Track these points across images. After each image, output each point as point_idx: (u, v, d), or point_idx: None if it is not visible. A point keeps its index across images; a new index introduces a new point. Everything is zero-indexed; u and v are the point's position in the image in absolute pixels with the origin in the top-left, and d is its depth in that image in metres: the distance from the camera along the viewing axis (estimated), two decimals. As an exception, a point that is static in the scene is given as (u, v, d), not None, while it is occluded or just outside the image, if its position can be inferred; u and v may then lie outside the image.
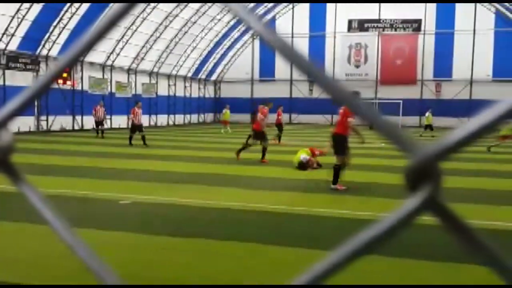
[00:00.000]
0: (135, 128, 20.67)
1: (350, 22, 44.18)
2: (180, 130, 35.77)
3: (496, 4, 41.93)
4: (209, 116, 48.99)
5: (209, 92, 48.41)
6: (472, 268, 5.17)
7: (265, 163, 14.98)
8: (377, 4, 44.33)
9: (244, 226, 7.24)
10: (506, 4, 40.44)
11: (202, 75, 46.09)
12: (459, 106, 43.01)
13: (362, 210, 8.86)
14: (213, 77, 48.60)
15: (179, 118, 43.54)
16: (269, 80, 47.97)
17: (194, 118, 45.34)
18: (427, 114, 31.89)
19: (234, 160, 15.87)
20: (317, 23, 46.19)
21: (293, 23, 46.72)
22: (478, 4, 42.56)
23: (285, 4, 46.32)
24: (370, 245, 0.31)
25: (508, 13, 41.51)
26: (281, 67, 48.34)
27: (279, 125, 23.72)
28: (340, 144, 10.70)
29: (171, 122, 42.00)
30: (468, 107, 41.51)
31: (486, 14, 42.59)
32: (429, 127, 31.16)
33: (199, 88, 46.37)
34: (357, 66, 45.70)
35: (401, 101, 41.13)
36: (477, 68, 43.08)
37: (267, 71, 48.04)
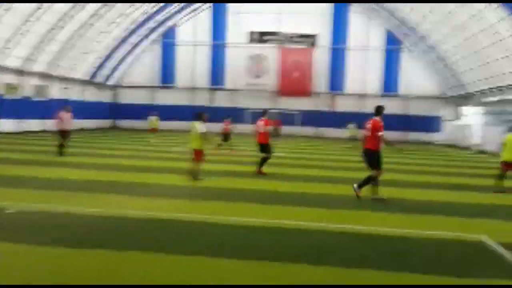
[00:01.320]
0: (63, 134, 19.27)
1: (250, 34, 45.33)
2: (75, 135, 34.32)
3: (386, 23, 44.88)
4: (106, 122, 47.48)
5: (107, 97, 46.98)
6: (365, 273, 5.62)
7: (264, 174, 15.41)
8: (277, 18, 46.07)
9: (142, 235, 7.38)
10: (396, 23, 43.43)
11: (100, 79, 44.64)
12: (351, 118, 45.35)
13: (261, 218, 9.11)
14: (111, 82, 47.27)
15: (74, 123, 41.65)
16: (170, 86, 47.67)
17: (90, 123, 43.71)
18: (349, 126, 33.38)
19: (131, 167, 15.65)
20: (219, 33, 47.01)
21: (195, 31, 46.81)
22: (370, 23, 45.39)
23: (187, 11, 46.39)
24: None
25: (396, 32, 44.76)
26: (183, 74, 48.39)
27: (226, 135, 25.31)
28: (373, 158, 11.23)
29: (65, 127, 40.06)
30: (359, 119, 43.75)
31: (377, 32, 45.64)
32: (353, 138, 32.42)
33: (96, 93, 44.84)
34: (257, 77, 47.06)
35: (298, 112, 42.55)
36: (367, 83, 45.90)
37: (168, 77, 48.05)
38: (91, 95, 45.53)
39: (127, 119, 48.84)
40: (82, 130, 43.19)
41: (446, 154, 31.99)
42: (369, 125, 11.39)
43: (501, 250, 7.34)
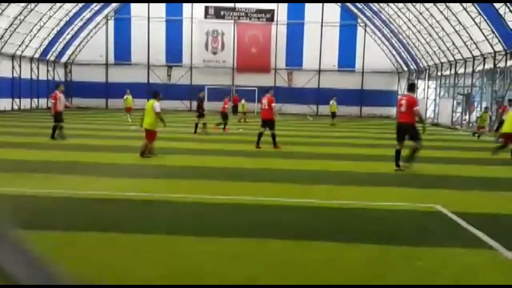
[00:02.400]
0: (59, 116, 17.72)
1: (206, 8, 44.56)
2: (28, 115, 33.21)
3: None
4: (60, 101, 45.88)
5: (59, 75, 45.59)
6: (320, 244, 5.58)
7: (279, 148, 16.46)
8: (233, -8, 45.25)
9: (105, 215, 7.23)
10: None
11: (51, 56, 43.37)
12: (309, 93, 45.69)
13: (219, 195, 9.05)
14: (64, 59, 45.86)
15: (26, 103, 40.56)
16: (125, 64, 46.90)
17: (42, 102, 42.32)
18: (331, 102, 32.75)
19: (96, 147, 15.34)
20: (174, 8, 46.05)
21: (149, 6, 45.67)
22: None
23: (141, -14, 45.00)
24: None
25: (352, 8, 44.83)
26: (138, 50, 47.41)
27: (224, 114, 24.51)
28: (414, 131, 12.02)
29: (16, 107, 38.81)
30: (316, 95, 44.14)
31: (333, 7, 45.77)
32: (333, 114, 32.21)
33: (47, 71, 43.43)
34: (215, 53, 46.65)
35: (256, 89, 42.30)
36: (324, 59, 46.10)
37: (122, 54, 47.04)
38: (42, 73, 43.91)
39: (81, 97, 47.42)
40: (37, 109, 41.82)
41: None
42: (403, 101, 12.10)
43: (456, 219, 7.48)
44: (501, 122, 20.70)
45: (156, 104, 13.56)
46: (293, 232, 6.56)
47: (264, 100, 16.77)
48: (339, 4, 46.71)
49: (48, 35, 41.43)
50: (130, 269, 5.01)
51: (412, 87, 12.83)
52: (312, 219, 7.32)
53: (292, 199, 8.60)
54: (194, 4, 46.33)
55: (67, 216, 7.07)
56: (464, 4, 28.49)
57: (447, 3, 30.45)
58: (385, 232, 6.72)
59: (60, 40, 43.69)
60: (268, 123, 16.58)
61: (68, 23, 42.33)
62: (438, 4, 31.57)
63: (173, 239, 6.08)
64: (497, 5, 25.37)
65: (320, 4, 46.54)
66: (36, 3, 35.70)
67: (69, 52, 46.99)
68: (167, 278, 4.77)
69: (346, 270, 5.20)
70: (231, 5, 46.10)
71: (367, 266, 5.32)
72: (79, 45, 47.41)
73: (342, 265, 5.35)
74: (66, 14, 41.02)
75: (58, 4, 38.63)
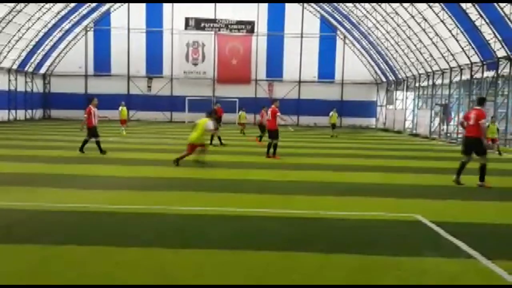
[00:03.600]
0: (94, 130, 17.06)
1: (187, 20, 44.54)
2: (4, 127, 32.66)
3: (320, 10, 45.38)
4: (38, 113, 45.51)
5: (38, 86, 44.96)
6: (304, 256, 5.52)
7: (277, 158, 17.03)
8: (213, 4, 45.35)
9: (82, 228, 7.11)
10: (329, 10, 43.95)
11: (30, 67, 42.68)
12: (290, 104, 45.87)
13: (201, 205, 8.96)
14: (42, 71, 45.34)
15: (3, 114, 39.86)
16: (105, 75, 46.33)
17: (20, 114, 41.83)
18: (331, 113, 32.38)
19: (73, 159, 15.15)
20: (154, 19, 45.89)
21: (129, 17, 45.40)
22: (305, 9, 45.81)
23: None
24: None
25: (332, 20, 45.30)
26: (118, 61, 47.06)
27: (262, 126, 24.51)
28: (481, 145, 11.83)
29: (-7, 118, 38.08)
30: (297, 106, 44.34)
31: (313, 19, 46.15)
32: (333, 125, 31.99)
33: (25, 82, 42.83)
34: (195, 64, 46.60)
35: (237, 100, 42.34)
36: (304, 70, 46.42)
37: (102, 65, 46.73)
38: (20, 84, 43.31)
39: (60, 109, 46.87)
40: (15, 120, 41.21)
41: (381, 138, 32.90)
42: (472, 114, 12.01)
43: (436, 228, 7.51)
44: None
45: (209, 123, 14.52)
46: (273, 243, 6.51)
47: (269, 111, 17.78)
48: (319, 16, 47.15)
49: (27, 46, 40.93)
50: (107, 282, 4.91)
51: (481, 101, 12.66)
52: (292, 230, 7.27)
53: (272, 210, 8.55)
54: (174, 15, 46.30)
55: (45, 230, 6.92)
56: (441, 16, 28.99)
57: (423, 15, 30.94)
58: (365, 242, 6.71)
59: (39, 51, 43.21)
60: (271, 133, 17.45)
61: (47, 34, 41.92)
62: (416, 17, 32.06)
63: (153, 251, 5.98)
64: (473, 17, 25.85)
65: (299, 16, 46.92)
66: (16, 12, 35.29)
67: (47, 63, 46.50)
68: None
69: (327, 280, 5.16)
70: (211, 16, 46.19)
71: (348, 276, 5.29)
72: (57, 56, 46.93)
73: (323, 275, 5.31)
74: (45, 26, 40.63)
75: (37, 15, 38.24)
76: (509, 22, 23.26)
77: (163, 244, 6.31)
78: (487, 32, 25.67)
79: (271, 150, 17.22)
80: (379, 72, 47.23)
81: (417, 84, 39.52)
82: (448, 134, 33.61)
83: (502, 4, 23.16)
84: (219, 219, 7.82)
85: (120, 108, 29.72)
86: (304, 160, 17.01)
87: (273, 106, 17.59)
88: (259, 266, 5.55)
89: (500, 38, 25.12)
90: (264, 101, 45.78)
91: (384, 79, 46.71)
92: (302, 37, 47.32)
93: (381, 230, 7.45)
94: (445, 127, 34.49)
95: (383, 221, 8.07)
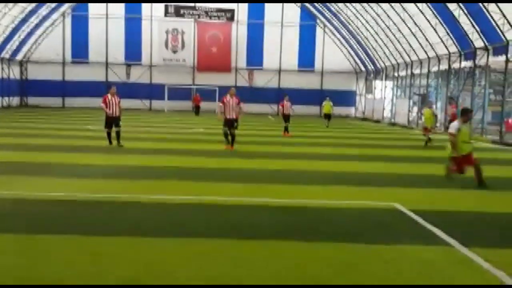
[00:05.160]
0: (110, 121, 16.16)
1: (166, 7, 43.99)
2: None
3: None
4: (15, 100, 44.72)
5: (15, 73, 44.18)
6: (286, 244, 5.60)
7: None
8: (193, -9, 44.87)
9: (65, 217, 7.02)
10: None
11: (6, 54, 41.79)
12: (270, 93, 45.77)
13: (181, 194, 8.98)
14: (19, 57, 44.48)
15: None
16: (83, 62, 45.67)
17: (-4, 101, 40.95)
18: (324, 103, 31.48)
19: (46, 146, 14.99)
20: (133, 5, 45.25)
21: (107, 4, 44.69)
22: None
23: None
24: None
25: (312, 8, 45.25)
26: (96, 48, 46.39)
27: (285, 116, 23.47)
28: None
29: (-33, 106, 37.26)
30: (277, 95, 44.35)
31: (293, 8, 46.08)
32: (327, 116, 30.83)
33: (2, 69, 42.09)
34: (175, 52, 46.28)
35: (217, 88, 42.13)
36: (284, 59, 46.37)
37: (80, 52, 46.08)
38: (-4, 71, 42.46)
39: (38, 96, 46.07)
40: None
41: (360, 127, 33.17)
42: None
43: (414, 216, 7.65)
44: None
45: (453, 124, 11.17)
46: (256, 231, 6.57)
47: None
48: (299, 4, 47.05)
49: (3, 33, 40.03)
50: (90, 272, 4.90)
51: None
52: (274, 219, 7.33)
53: (255, 199, 8.61)
54: (153, 2, 45.72)
55: (26, 218, 6.88)
56: (420, 7, 29.19)
57: (403, 6, 31.13)
58: (345, 230, 6.81)
59: (15, 37, 42.28)
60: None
61: (24, 20, 41.01)
62: (395, 6, 32.23)
63: (136, 240, 6.00)
64: (452, 7, 26.09)
65: (280, 4, 46.71)
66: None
67: (24, 49, 45.50)
68: (126, 280, 4.69)
69: (308, 269, 5.24)
70: (191, 4, 45.74)
71: (328, 265, 5.37)
72: (35, 42, 45.96)
73: (304, 264, 5.38)
74: (22, 11, 39.73)
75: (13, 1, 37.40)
76: (487, 14, 23.54)
77: (143, 233, 6.30)
78: (466, 23, 25.95)
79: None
80: (358, 61, 47.42)
81: (395, 74, 39.85)
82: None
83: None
84: (201, 208, 7.84)
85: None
86: (286, 149, 17.09)
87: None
88: (241, 255, 5.60)
89: (478, 29, 25.43)
90: (245, 89, 45.69)
91: (363, 69, 46.94)
92: (282, 25, 47.19)
93: (360, 219, 7.56)
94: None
95: (362, 209, 8.19)
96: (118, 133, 16.09)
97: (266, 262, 5.38)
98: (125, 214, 7.33)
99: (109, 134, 16.17)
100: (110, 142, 16.08)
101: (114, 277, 4.78)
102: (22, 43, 44.07)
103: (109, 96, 16.20)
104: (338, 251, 5.83)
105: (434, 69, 32.84)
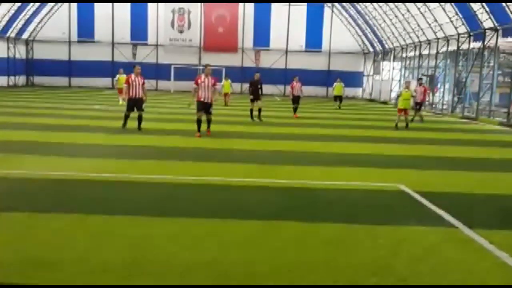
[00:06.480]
0: (132, 103, 15.24)
1: (172, -14, 43.46)
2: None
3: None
4: (21, 79, 44.68)
5: (20, 52, 44.20)
6: (287, 224, 5.60)
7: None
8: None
9: (67, 196, 7.03)
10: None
11: (12, 33, 41.78)
12: (276, 74, 45.52)
13: (181, 175, 8.96)
14: (25, 36, 44.36)
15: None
16: (89, 41, 45.73)
17: (3, 81, 41.03)
18: (335, 84, 30.59)
19: (54, 126, 15.02)
20: (139, -16, 44.57)
21: (114, -17, 44.32)
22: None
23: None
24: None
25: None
26: (102, 28, 46.09)
27: (295, 97, 22.84)
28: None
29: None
30: (284, 75, 44.07)
31: (300, -13, 45.45)
32: (338, 98, 30.29)
33: (8, 48, 42.01)
34: (181, 32, 45.94)
35: (223, 68, 41.93)
36: (291, 39, 46.00)
37: (86, 31, 45.87)
38: (2, 50, 42.37)
39: (44, 75, 46.06)
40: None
41: (368, 108, 32.97)
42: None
43: (419, 197, 7.60)
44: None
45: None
46: (257, 212, 6.54)
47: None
48: (307, -17, 46.48)
49: (8, 11, 39.89)
50: (91, 251, 4.90)
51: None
52: (276, 199, 7.30)
53: (257, 179, 8.58)
54: (159, -19, 45.30)
55: (29, 198, 6.87)
56: (429, -14, 28.76)
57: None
58: (349, 211, 6.77)
59: (21, 16, 42.13)
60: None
61: (29, -1, 40.84)
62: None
63: (137, 219, 5.97)
64: (461, -13, 25.69)
65: (287, -16, 46.21)
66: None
67: (30, 29, 45.37)
68: (128, 260, 4.68)
69: (311, 249, 5.21)
70: (197, -17, 45.28)
71: (331, 245, 5.34)
72: (40, 21, 45.80)
73: (307, 244, 5.36)
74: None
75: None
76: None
77: (148, 213, 6.29)
78: (475, 3, 25.56)
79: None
80: (366, 42, 46.95)
81: (404, 55, 39.45)
82: (434, 105, 33.78)
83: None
84: (203, 188, 7.82)
85: (118, 76, 27.52)
86: (288, 130, 17.03)
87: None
88: (241, 235, 5.58)
89: (487, 9, 25.04)
90: (251, 70, 45.45)
91: (371, 49, 46.48)
92: (289, 4, 46.71)
93: (365, 200, 7.52)
94: (431, 97, 34.61)
95: (367, 191, 8.14)
96: (140, 117, 15.12)
97: (266, 240, 5.36)
98: (132, 193, 7.32)
99: (126, 117, 15.26)
100: (124, 124, 15.23)
101: (106, 257, 4.77)
102: (28, 22, 43.91)
103: (133, 76, 15.05)
104: (341, 231, 5.79)
105: (443, 49, 32.46)
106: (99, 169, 8.90)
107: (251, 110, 19.85)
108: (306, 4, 46.91)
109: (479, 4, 25.24)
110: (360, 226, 6.06)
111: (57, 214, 6.08)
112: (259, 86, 19.75)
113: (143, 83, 15.26)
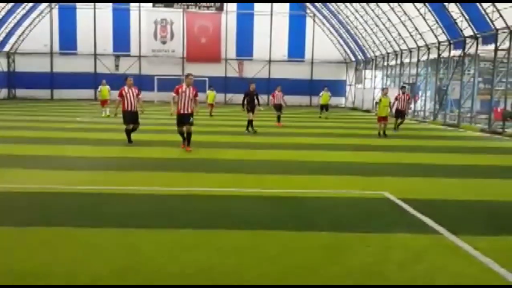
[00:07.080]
0: (129, 117, 14.59)
1: (154, -3, 43.53)
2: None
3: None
4: (3, 92, 44.18)
5: (2, 65, 43.79)
6: (276, 234, 5.79)
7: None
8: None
9: (53, 209, 6.97)
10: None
11: (-8, 46, 41.20)
12: (260, 84, 45.48)
13: (169, 186, 8.93)
14: (6, 49, 43.96)
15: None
16: (71, 53, 45.24)
17: (-17, 93, 40.47)
18: (322, 93, 30.35)
19: (40, 139, 14.86)
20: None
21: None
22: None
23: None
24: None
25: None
26: (84, 39, 45.81)
27: (276, 106, 23.90)
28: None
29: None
30: (267, 85, 44.26)
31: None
32: (324, 107, 30.00)
33: (-12, 60, 41.37)
34: (164, 42, 45.96)
35: (207, 79, 41.95)
36: (274, 49, 46.23)
37: (68, 43, 45.61)
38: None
39: (26, 88, 45.63)
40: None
41: (350, 117, 33.22)
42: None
43: (403, 205, 7.68)
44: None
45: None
46: (244, 222, 6.55)
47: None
48: (288, -6, 46.86)
49: (-12, 24, 39.58)
50: (80, 264, 4.86)
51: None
52: (263, 209, 7.33)
53: (243, 189, 8.59)
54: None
55: (14, 211, 6.83)
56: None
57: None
58: (335, 220, 6.82)
59: (2, 29, 41.80)
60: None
61: (10, 12, 40.53)
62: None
63: (124, 232, 5.95)
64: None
65: (269, -6, 46.52)
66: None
67: (11, 41, 45.01)
68: (117, 272, 4.66)
69: (300, 258, 5.23)
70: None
71: (320, 253, 5.38)
72: (22, 34, 45.49)
73: (296, 253, 5.38)
74: (8, 3, 39.23)
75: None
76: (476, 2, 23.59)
77: (136, 224, 6.26)
78: (455, 11, 25.99)
79: None
80: (348, 51, 47.43)
81: (385, 63, 39.90)
82: (416, 113, 34.14)
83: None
84: (191, 199, 7.81)
85: (100, 87, 27.14)
86: (275, 140, 17.10)
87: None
88: (229, 245, 5.58)
89: (467, 17, 25.48)
90: (234, 80, 45.57)
91: (353, 58, 46.96)
92: (271, 15, 47.03)
93: (351, 208, 7.58)
94: (412, 105, 34.99)
95: (353, 199, 8.21)
96: (133, 129, 14.73)
97: (254, 251, 5.38)
98: (116, 206, 7.27)
99: (128, 131, 14.57)
100: (129, 140, 14.57)
101: (94, 270, 4.74)
102: (9, 34, 43.57)
103: (126, 88, 14.41)
104: (329, 240, 5.83)
105: (424, 58, 32.92)
106: (86, 182, 8.88)
107: (250, 121, 19.34)
108: (288, 14, 47.26)
109: (459, 12, 25.67)
110: (348, 234, 6.11)
111: (43, 227, 6.04)
112: (254, 97, 19.46)
113: (138, 94, 14.62)
